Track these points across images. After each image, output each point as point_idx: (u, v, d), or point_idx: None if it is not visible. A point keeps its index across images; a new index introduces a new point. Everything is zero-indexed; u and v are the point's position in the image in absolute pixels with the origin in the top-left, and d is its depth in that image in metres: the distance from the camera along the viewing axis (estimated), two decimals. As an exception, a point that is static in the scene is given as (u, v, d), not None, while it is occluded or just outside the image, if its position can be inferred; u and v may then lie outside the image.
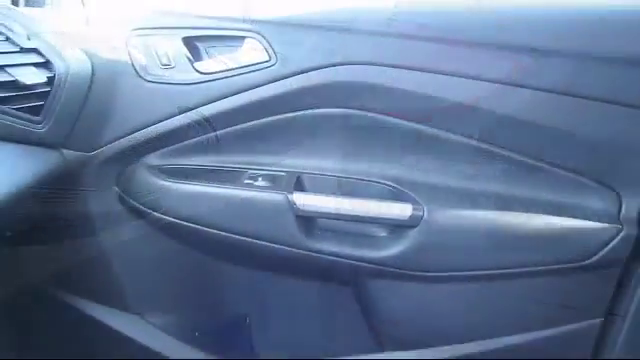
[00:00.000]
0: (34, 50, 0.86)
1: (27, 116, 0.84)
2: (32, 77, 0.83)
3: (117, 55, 0.96)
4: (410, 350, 1.03)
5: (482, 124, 0.93)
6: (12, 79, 0.80)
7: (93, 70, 0.93)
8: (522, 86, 0.90)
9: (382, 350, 1.05)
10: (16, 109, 0.82)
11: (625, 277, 0.96)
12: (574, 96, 0.90)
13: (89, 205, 1.02)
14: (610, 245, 0.92)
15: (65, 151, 0.95)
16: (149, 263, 1.08)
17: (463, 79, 0.91)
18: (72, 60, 0.90)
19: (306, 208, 0.96)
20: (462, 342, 1.02)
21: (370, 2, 0.95)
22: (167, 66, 0.96)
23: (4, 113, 0.80)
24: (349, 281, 1.05)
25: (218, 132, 0.99)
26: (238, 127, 0.99)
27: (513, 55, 0.90)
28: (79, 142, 0.95)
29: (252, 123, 0.99)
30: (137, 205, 1.01)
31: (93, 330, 1.09)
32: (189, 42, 0.97)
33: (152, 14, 0.98)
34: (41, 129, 0.87)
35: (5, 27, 0.86)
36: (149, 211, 1.01)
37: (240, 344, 1.14)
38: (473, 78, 0.91)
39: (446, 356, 1.02)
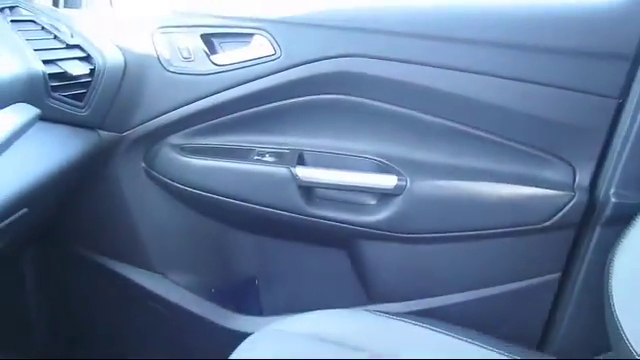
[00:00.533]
0: (77, 46, 1.01)
1: (73, 102, 1.00)
2: (77, 69, 0.98)
3: (145, 50, 1.11)
4: (397, 302, 1.19)
5: (456, 108, 1.08)
6: (62, 71, 0.95)
7: (125, 63, 1.08)
8: (490, 75, 1.05)
9: (374, 302, 1.21)
10: (65, 96, 0.97)
11: (579, 238, 1.11)
12: (535, 83, 1.05)
13: (120, 178, 1.18)
14: (565, 209, 1.08)
15: (101, 132, 1.10)
16: (171, 228, 1.24)
17: (441, 70, 1.06)
18: (108, 54, 1.05)
19: (307, 180, 1.12)
20: (441, 295, 1.18)
21: (363, 2, 1.11)
22: (187, 59, 1.11)
23: (55, 99, 0.95)
24: (344, 242, 1.21)
25: (231, 116, 1.15)
26: (248, 111, 1.14)
27: (482, 48, 1.05)
28: (113, 124, 1.11)
29: (260, 108, 1.14)
30: (161, 178, 1.17)
31: (123, 287, 1.25)
32: (206, 38, 1.11)
33: (174, 14, 1.13)
34: (83, 113, 1.02)
35: (52, 27, 1.01)
36: (171, 183, 1.17)
37: (250, 299, 1.30)
38: (449, 69, 1.06)
39: (428, 306, 1.17)
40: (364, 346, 0.93)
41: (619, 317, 0.86)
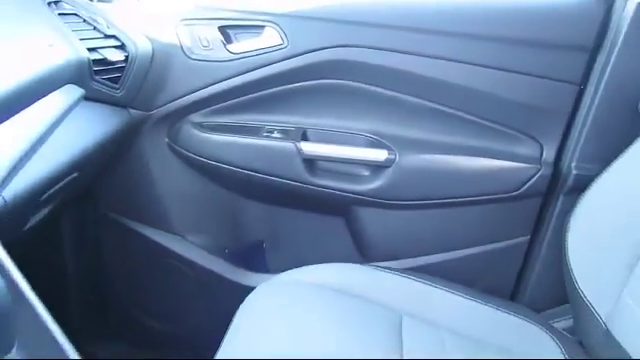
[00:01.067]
0: (113, 36, 1.17)
1: (110, 84, 1.16)
2: (114, 56, 1.14)
3: (169, 40, 1.26)
4: (387, 261, 1.35)
5: (439, 92, 1.24)
6: (102, 58, 1.11)
7: (153, 51, 1.24)
8: (468, 63, 1.21)
9: (367, 262, 1.37)
10: (104, 79, 1.13)
11: (544, 205, 1.28)
12: (507, 71, 1.21)
13: (146, 151, 1.34)
14: (532, 180, 1.24)
15: (132, 110, 1.26)
16: (190, 196, 1.39)
17: (426, 58, 1.22)
18: (139, 43, 1.21)
19: (309, 153, 1.28)
20: (426, 254, 1.34)
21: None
22: (206, 48, 1.27)
23: (97, 82, 1.11)
24: (342, 209, 1.37)
25: (244, 97, 1.31)
26: (259, 94, 1.30)
27: (461, 40, 1.20)
28: (142, 104, 1.27)
29: (269, 91, 1.30)
30: (182, 151, 1.33)
31: (148, 247, 1.41)
32: (223, 30, 1.27)
33: (195, 8, 1.28)
34: (118, 94, 1.18)
35: (91, 19, 1.17)
36: (191, 156, 1.33)
37: (258, 258, 1.46)
38: (433, 58, 1.22)
39: (415, 265, 1.33)
40: (362, 294, 1.08)
41: (573, 270, 1.03)
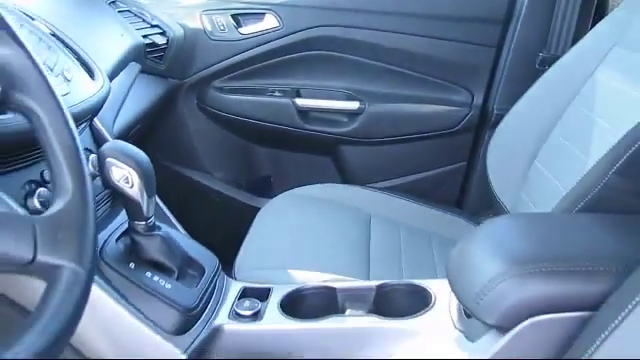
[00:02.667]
0: (157, 26, 1.59)
1: (156, 61, 1.58)
2: (160, 40, 1.55)
3: (196, 25, 1.68)
4: (368, 184, 1.77)
5: (393, 57, 1.66)
6: (151, 42, 1.53)
7: (185, 34, 1.66)
8: (415, 35, 1.63)
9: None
10: (153, 57, 1.55)
11: (476, 138, 1.70)
12: (445, 39, 1.63)
13: (181, 110, 1.77)
14: (466, 119, 1.66)
15: (170, 79, 1.68)
16: (215, 142, 1.81)
17: (385, 32, 1.64)
18: (175, 30, 1.62)
19: (302, 106, 1.70)
20: (394, 178, 1.77)
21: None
22: (223, 31, 1.68)
23: (148, 59, 1.53)
24: (328, 148, 1.79)
25: (252, 67, 1.73)
26: (263, 64, 1.71)
27: (408, 18, 1.62)
28: (178, 74, 1.69)
29: (270, 61, 1.71)
30: (208, 109, 1.75)
31: (186, 183, 1.85)
32: (234, 17, 1.68)
33: (213, 1, 1.70)
34: (162, 67, 1.60)
35: (140, 13, 1.58)
36: (216, 112, 1.75)
37: (267, 188, 1.89)
38: (387, 31, 1.64)
39: (387, 186, 1.75)
40: (342, 202, 1.46)
41: (491, 181, 1.44)
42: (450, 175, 1.75)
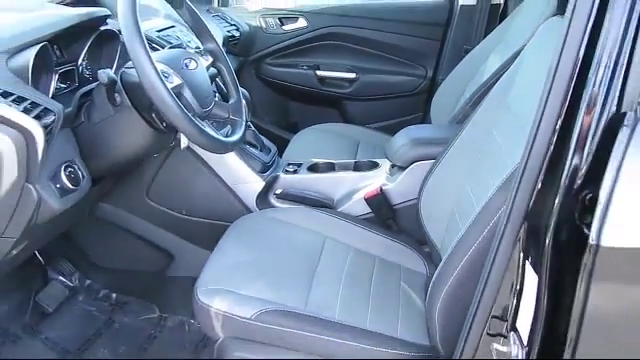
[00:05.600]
0: (234, 24, 2.52)
1: (233, 46, 2.50)
2: (235, 33, 2.48)
3: (255, 24, 2.62)
4: (360, 125, 2.70)
5: (375, 45, 2.59)
6: (230, 34, 2.46)
7: (249, 30, 2.59)
8: (384, 31, 2.55)
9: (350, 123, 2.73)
10: (232, 44, 2.49)
11: (427, 99, 2.62)
12: (404, 35, 2.55)
13: (246, 78, 2.69)
14: (421, 86, 2.59)
15: (240, 57, 2.61)
16: (264, 97, 2.72)
17: (368, 30, 2.57)
18: (244, 26, 2.55)
19: (320, 75, 2.64)
20: (377, 122, 2.68)
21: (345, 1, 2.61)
22: (272, 27, 2.62)
23: (229, 45, 2.47)
24: (336, 102, 2.71)
25: (289, 50, 2.65)
26: (296, 49, 2.64)
27: (377, 22, 2.55)
28: (244, 54, 2.62)
29: (300, 47, 2.64)
30: (262, 77, 2.69)
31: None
32: (279, 19, 2.62)
33: (266, 8, 2.63)
34: (236, 50, 2.53)
35: (224, 16, 2.52)
36: (267, 79, 2.69)
37: (294, 128, 2.82)
38: (371, 29, 2.56)
39: (375, 126, 2.68)
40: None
41: (432, 118, 2.37)
42: (410, 122, 2.67)
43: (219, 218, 1.72)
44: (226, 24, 2.48)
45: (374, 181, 1.71)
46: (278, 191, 1.75)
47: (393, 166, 1.73)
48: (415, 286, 1.40)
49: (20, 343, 1.65)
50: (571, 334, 0.74)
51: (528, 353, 0.82)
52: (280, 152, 2.02)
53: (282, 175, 1.78)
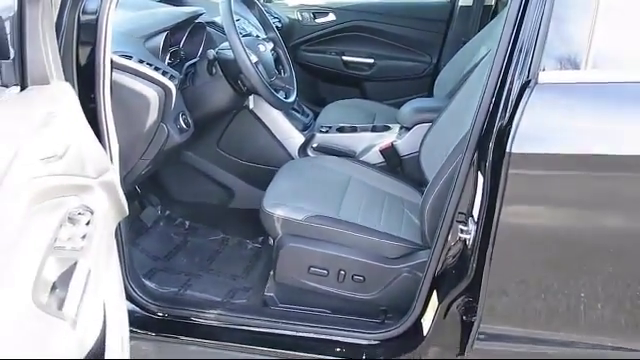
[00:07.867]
0: (277, 17, 3.03)
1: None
2: (277, 24, 3.00)
3: (294, 17, 3.12)
4: (377, 101, 3.22)
5: (387, 36, 3.09)
6: (275, 26, 2.98)
7: (288, 21, 3.10)
8: (397, 25, 3.06)
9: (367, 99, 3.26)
10: (275, 33, 3.01)
11: (431, 82, 3.13)
12: (411, 28, 3.06)
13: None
14: (426, 70, 3.09)
15: (280, 44, 3.14)
16: (301, 79, 3.28)
17: (382, 23, 3.08)
18: (285, 18, 3.07)
19: (345, 60, 3.14)
20: (390, 99, 3.21)
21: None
22: (307, 20, 3.13)
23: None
24: (357, 82, 3.20)
25: (321, 39, 3.16)
26: (326, 38, 3.15)
27: (384, 16, 3.06)
28: (285, 42, 3.14)
29: (330, 37, 3.14)
30: (298, 60, 3.21)
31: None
32: (313, 13, 3.12)
33: (301, 5, 3.15)
34: (278, 38, 3.06)
35: (267, 10, 3.03)
36: (302, 62, 3.21)
37: (322, 103, 3.34)
38: (384, 23, 3.07)
39: (388, 103, 3.20)
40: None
41: (435, 93, 2.88)
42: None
43: (270, 164, 2.25)
44: (271, 17, 2.99)
45: (387, 138, 2.23)
46: (314, 145, 2.28)
47: (401, 127, 2.24)
48: (414, 212, 1.88)
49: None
50: (498, 206, 1.27)
51: (478, 226, 1.34)
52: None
53: (317, 134, 2.31)
